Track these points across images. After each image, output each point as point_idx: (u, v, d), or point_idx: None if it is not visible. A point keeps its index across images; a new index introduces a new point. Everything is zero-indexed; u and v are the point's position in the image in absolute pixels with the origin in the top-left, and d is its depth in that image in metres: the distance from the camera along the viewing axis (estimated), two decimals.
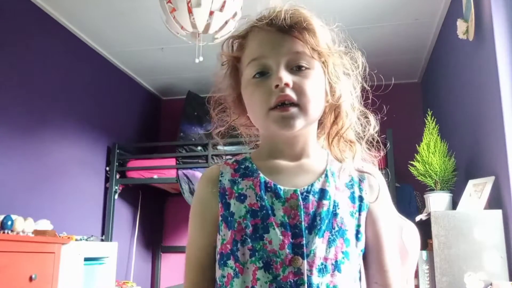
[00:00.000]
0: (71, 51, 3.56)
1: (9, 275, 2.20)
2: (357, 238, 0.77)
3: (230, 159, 0.85)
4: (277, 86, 0.74)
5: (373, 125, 0.83)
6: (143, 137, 4.68)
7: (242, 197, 0.77)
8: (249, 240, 0.74)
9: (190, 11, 2.37)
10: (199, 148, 4.01)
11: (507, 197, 2.13)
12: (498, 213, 2.15)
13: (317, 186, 0.77)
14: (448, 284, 2.12)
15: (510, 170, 2.11)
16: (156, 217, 4.69)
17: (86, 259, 2.88)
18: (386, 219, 0.81)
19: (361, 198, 0.79)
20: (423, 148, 2.72)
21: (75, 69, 3.61)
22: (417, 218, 2.55)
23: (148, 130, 4.84)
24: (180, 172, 3.90)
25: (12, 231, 2.37)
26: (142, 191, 4.36)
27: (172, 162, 4.00)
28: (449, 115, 3.27)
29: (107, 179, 3.97)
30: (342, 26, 0.81)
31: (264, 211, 0.75)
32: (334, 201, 0.76)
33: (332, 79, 0.79)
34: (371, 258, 0.80)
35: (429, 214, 2.34)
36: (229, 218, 0.76)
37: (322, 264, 0.72)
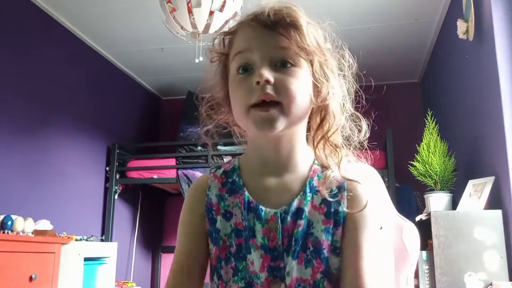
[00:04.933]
0: (71, 51, 3.57)
1: (9, 275, 2.20)
2: (336, 254, 0.73)
3: (219, 168, 0.83)
4: (258, 83, 0.71)
5: (364, 130, 0.79)
6: (143, 137, 4.68)
7: (228, 215, 0.76)
8: (232, 259, 0.74)
9: (190, 11, 2.37)
10: (199, 148, 4.01)
11: (507, 197, 2.13)
12: (498, 213, 2.15)
13: (295, 205, 0.74)
14: (448, 284, 2.12)
15: (510, 170, 2.11)
16: (156, 217, 4.69)
17: (86, 259, 2.88)
18: (365, 225, 0.74)
19: (337, 212, 0.74)
20: (423, 148, 2.72)
21: (75, 69, 3.61)
22: (417, 218, 2.55)
23: (148, 130, 4.84)
24: (180, 172, 3.90)
25: (12, 231, 2.37)
26: (142, 191, 4.36)
27: (172, 162, 4.00)
28: (449, 115, 3.27)
29: (107, 179, 3.97)
30: (336, 25, 0.78)
31: (247, 232, 0.74)
32: (309, 220, 0.74)
33: (318, 78, 0.75)
34: (347, 264, 0.73)
35: (429, 214, 2.34)
36: (214, 234, 0.76)
37: (299, 285, 0.71)
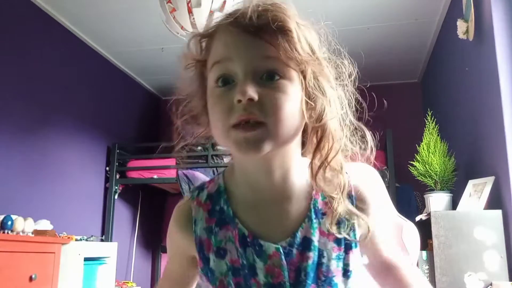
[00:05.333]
0: (71, 51, 3.56)
1: (9, 275, 2.20)
2: (347, 277, 0.67)
3: (202, 191, 0.73)
4: (239, 101, 0.60)
5: (370, 146, 0.69)
6: (143, 137, 4.68)
7: (222, 252, 0.68)
8: None
9: (190, 11, 2.37)
10: (199, 148, 4.01)
11: (507, 197, 2.13)
12: (498, 213, 2.14)
13: (300, 235, 0.66)
14: (448, 284, 2.12)
15: (510, 170, 2.11)
16: (156, 217, 4.69)
17: (86, 259, 2.88)
18: (383, 239, 0.71)
19: (350, 236, 0.68)
20: (423, 148, 2.72)
21: (75, 69, 3.61)
22: (417, 218, 2.55)
23: (148, 130, 4.84)
24: (180, 172, 3.90)
25: (12, 231, 2.37)
26: (142, 191, 4.36)
27: (172, 162, 4.00)
28: (449, 115, 3.27)
29: (107, 179, 3.97)
30: (333, 25, 0.68)
31: (246, 270, 0.66)
32: (319, 250, 0.66)
33: (311, 92, 0.64)
34: (386, 278, 0.72)
35: (429, 214, 2.34)
36: (209, 274, 0.69)
37: None
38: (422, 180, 2.69)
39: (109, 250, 3.24)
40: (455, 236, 2.16)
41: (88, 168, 3.75)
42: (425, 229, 2.30)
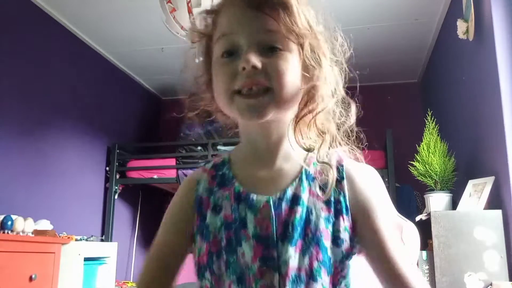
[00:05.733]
0: (71, 51, 3.57)
1: (9, 275, 2.20)
2: (337, 244, 0.70)
3: (209, 162, 0.81)
4: (244, 68, 0.66)
5: (353, 114, 0.74)
6: (143, 137, 4.68)
7: (217, 208, 0.73)
8: (223, 252, 0.70)
9: (190, 11, 2.37)
10: (199, 148, 4.01)
11: (507, 197, 2.13)
12: (498, 213, 2.15)
13: (290, 192, 0.71)
14: (448, 284, 2.12)
15: (510, 170, 2.11)
16: (156, 217, 4.64)
17: (86, 259, 2.88)
18: (378, 214, 0.72)
19: (338, 201, 0.71)
20: (423, 148, 2.72)
21: (75, 69, 3.61)
22: (417, 218, 2.55)
23: (148, 130, 4.84)
24: (180, 172, 3.90)
25: (12, 231, 2.38)
26: (142, 191, 4.36)
27: (172, 162, 4.00)
28: (449, 115, 3.27)
29: (107, 179, 3.97)
30: (326, 3, 0.72)
31: (237, 223, 0.71)
32: (307, 207, 0.70)
33: (309, 63, 0.70)
34: (374, 257, 0.71)
35: (429, 214, 2.34)
36: (204, 230, 0.73)
37: (295, 275, 0.68)
38: (422, 180, 2.70)
39: (109, 250, 3.24)
40: (455, 236, 2.16)
41: (88, 168, 3.75)
42: (425, 229, 2.30)
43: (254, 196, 0.71)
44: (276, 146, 0.74)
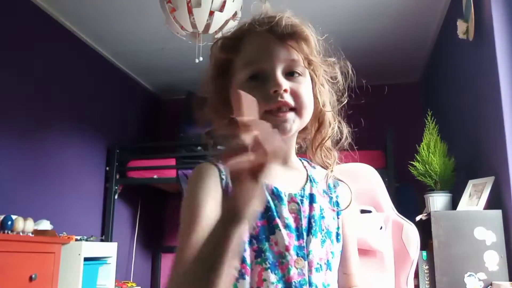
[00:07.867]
0: (71, 51, 3.56)
1: (9, 275, 2.20)
2: (337, 240, 0.83)
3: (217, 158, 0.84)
4: (275, 91, 0.76)
5: (345, 135, 0.88)
6: (143, 137, 4.68)
7: None
8: (255, 241, 0.74)
9: (190, 11, 2.37)
10: (199, 148, 4.01)
11: (507, 197, 2.13)
12: (498, 213, 2.15)
13: (307, 191, 0.82)
14: (448, 284, 2.12)
15: (510, 170, 2.11)
16: (156, 217, 4.69)
17: (86, 259, 2.88)
18: (352, 225, 0.88)
19: (337, 204, 0.85)
20: (423, 148, 2.71)
21: (75, 69, 3.61)
22: (417, 218, 2.55)
23: (148, 130, 4.84)
24: (180, 172, 3.90)
25: (12, 231, 2.37)
26: (142, 191, 4.36)
27: (172, 162, 4.00)
28: (449, 115, 3.27)
29: (107, 179, 3.97)
30: (330, 37, 0.84)
31: (270, 213, 0.76)
32: (320, 206, 0.82)
33: (319, 88, 0.82)
34: (347, 252, 0.87)
35: (429, 214, 2.34)
36: None
37: (318, 264, 0.77)
38: (422, 180, 2.69)
39: (109, 250, 3.24)
40: (455, 236, 2.16)
41: (88, 168, 3.75)
42: (425, 229, 2.30)
43: (281, 190, 0.79)
44: (287, 155, 0.84)
